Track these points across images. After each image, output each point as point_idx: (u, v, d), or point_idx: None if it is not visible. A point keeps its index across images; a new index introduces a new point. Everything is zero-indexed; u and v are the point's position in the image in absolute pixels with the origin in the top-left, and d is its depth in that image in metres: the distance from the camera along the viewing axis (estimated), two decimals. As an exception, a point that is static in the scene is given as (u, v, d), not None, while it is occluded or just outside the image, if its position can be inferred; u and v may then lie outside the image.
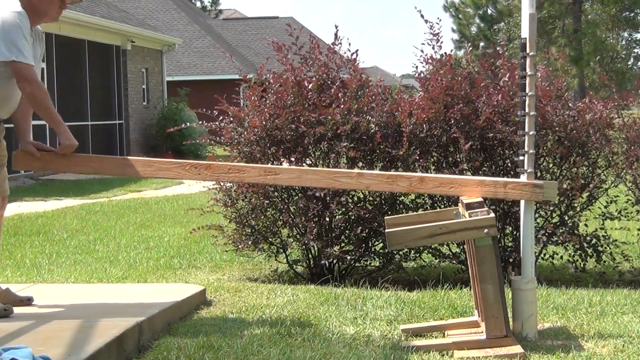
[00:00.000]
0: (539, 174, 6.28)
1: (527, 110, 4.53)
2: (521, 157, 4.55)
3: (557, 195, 6.32)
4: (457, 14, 47.16)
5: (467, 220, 4.29)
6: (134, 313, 4.45)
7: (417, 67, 6.72)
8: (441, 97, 6.25)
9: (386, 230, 4.38)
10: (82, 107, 21.21)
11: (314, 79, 6.53)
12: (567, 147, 6.29)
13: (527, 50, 4.52)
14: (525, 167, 4.52)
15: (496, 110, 6.19)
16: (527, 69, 4.53)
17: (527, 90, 4.53)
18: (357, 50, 6.75)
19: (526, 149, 4.53)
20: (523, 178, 4.55)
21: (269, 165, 4.89)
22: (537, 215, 6.44)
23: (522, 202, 4.58)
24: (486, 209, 4.35)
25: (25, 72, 4.39)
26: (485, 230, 4.21)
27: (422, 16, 6.81)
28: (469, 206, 4.38)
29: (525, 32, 4.54)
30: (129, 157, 4.86)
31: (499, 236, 6.32)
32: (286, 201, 6.51)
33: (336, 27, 6.78)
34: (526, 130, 4.53)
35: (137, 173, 4.79)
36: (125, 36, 23.75)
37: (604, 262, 6.51)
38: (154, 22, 32.24)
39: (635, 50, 46.76)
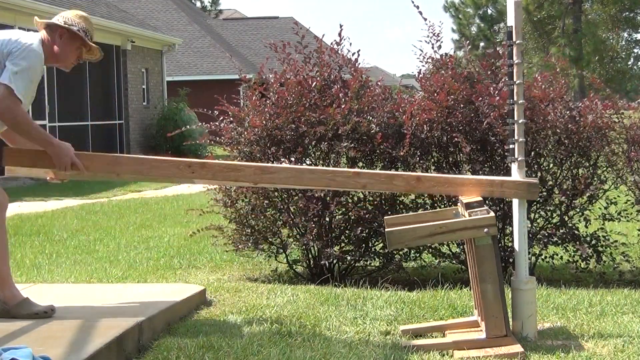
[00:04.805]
0: (539, 175, 6.27)
1: (515, 98, 4.54)
2: (511, 146, 4.56)
3: (558, 195, 6.35)
4: (457, 14, 47.15)
5: (467, 220, 4.29)
6: (134, 313, 4.45)
7: (420, 68, 6.73)
8: (444, 100, 6.25)
9: (386, 230, 4.38)
10: (82, 108, 21.21)
11: (317, 78, 6.53)
12: (568, 148, 6.29)
13: (514, 39, 4.52)
14: (516, 156, 4.53)
15: (497, 112, 6.17)
16: (515, 57, 4.53)
17: (514, 79, 4.54)
18: (358, 51, 6.76)
19: (516, 137, 4.54)
20: (514, 167, 4.56)
21: (267, 164, 4.83)
22: (537, 215, 6.44)
23: (516, 200, 4.58)
24: (486, 208, 4.35)
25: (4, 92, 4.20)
26: (485, 230, 4.21)
27: (420, 13, 6.80)
28: (468, 205, 4.38)
29: (511, 20, 4.54)
30: (120, 155, 4.78)
31: (499, 236, 6.32)
32: (286, 201, 6.51)
33: (341, 26, 6.78)
34: (515, 118, 4.54)
35: (127, 173, 4.73)
36: (125, 36, 23.75)
37: (604, 262, 6.51)
38: (154, 22, 32.23)
39: (635, 50, 46.82)
